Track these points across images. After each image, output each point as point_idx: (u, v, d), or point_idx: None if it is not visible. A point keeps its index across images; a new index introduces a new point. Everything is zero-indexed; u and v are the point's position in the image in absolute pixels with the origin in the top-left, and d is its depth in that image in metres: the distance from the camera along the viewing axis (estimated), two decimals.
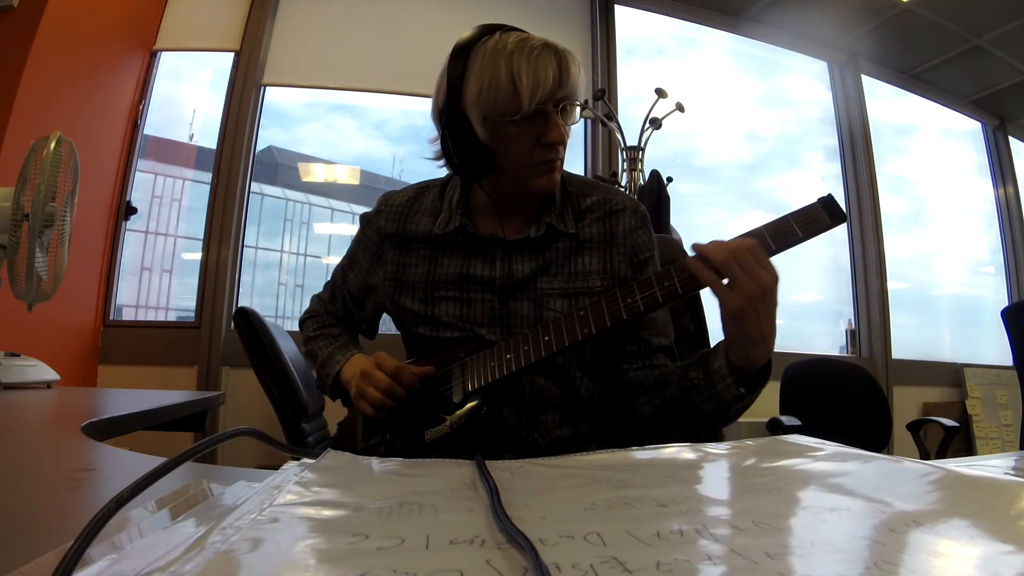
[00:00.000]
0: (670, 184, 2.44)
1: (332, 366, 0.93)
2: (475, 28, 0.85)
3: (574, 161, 3.03)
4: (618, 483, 0.41)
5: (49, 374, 1.40)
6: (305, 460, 0.47)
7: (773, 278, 0.68)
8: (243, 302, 2.66)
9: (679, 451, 0.52)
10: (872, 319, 3.32)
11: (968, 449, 3.28)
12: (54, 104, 2.06)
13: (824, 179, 3.61)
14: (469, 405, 0.79)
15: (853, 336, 3.40)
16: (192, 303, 2.56)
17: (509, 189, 0.87)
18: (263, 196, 3.04)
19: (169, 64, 2.77)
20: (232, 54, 2.71)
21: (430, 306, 0.89)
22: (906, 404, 3.20)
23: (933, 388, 3.37)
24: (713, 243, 0.70)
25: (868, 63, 3.65)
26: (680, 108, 2.54)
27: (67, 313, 2.24)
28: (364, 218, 1.00)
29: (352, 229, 3.32)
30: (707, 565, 0.25)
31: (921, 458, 0.75)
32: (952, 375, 3.44)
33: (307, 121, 3.36)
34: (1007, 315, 2.08)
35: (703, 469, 0.48)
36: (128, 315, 2.70)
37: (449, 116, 0.83)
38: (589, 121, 2.98)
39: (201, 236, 2.59)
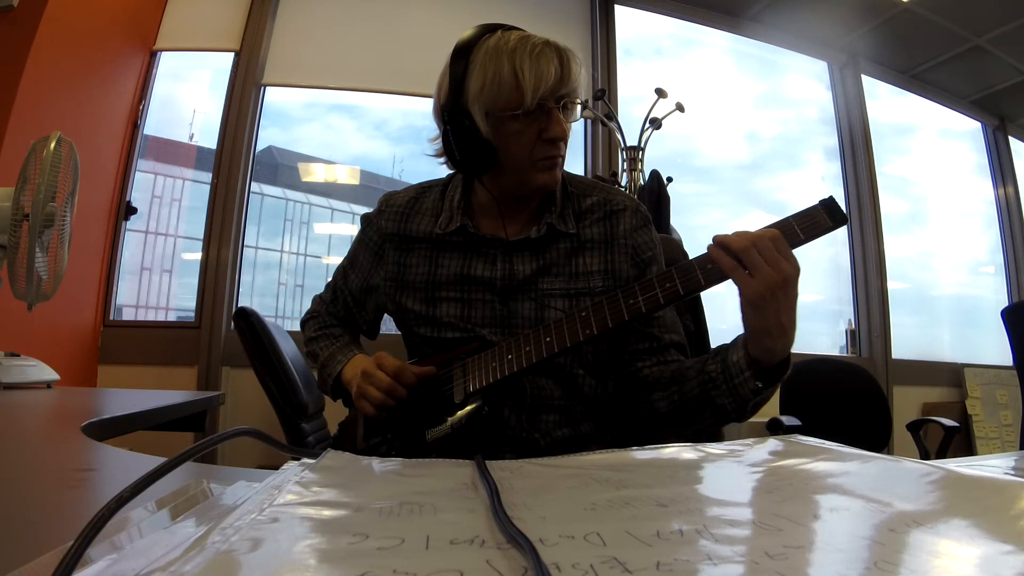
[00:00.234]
0: (670, 184, 2.44)
1: (333, 366, 0.93)
2: (476, 27, 0.86)
3: (574, 161, 3.03)
4: (618, 483, 0.41)
5: (49, 374, 1.40)
6: (305, 460, 0.47)
7: (794, 268, 0.68)
8: (243, 302, 2.66)
9: (679, 451, 0.52)
10: (872, 319, 3.32)
11: (968, 449, 3.28)
12: (54, 104, 2.06)
13: (824, 179, 3.61)
14: (470, 406, 0.79)
15: (853, 336, 3.40)
16: (192, 303, 2.56)
17: (510, 186, 0.87)
18: (263, 196, 3.04)
19: (169, 64, 2.77)
20: (232, 54, 2.71)
21: (431, 306, 0.89)
22: (906, 404, 3.20)
23: (933, 388, 3.37)
24: (736, 233, 0.69)
25: (868, 63, 3.65)
26: (680, 108, 2.54)
27: (67, 313, 2.24)
28: (365, 218, 1.00)
29: (352, 229, 3.33)
30: (707, 565, 0.25)
31: (921, 458, 0.75)
32: (952, 375, 3.44)
33: (307, 121, 3.36)
34: (1007, 315, 2.08)
35: (703, 469, 0.48)
36: (128, 315, 2.70)
37: (451, 112, 0.84)
38: (589, 121, 2.98)
39: (201, 236, 2.59)
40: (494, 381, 0.79)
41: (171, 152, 2.89)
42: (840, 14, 3.28)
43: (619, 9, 3.18)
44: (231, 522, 0.29)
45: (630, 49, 3.29)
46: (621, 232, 0.90)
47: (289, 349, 1.45)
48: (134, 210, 2.60)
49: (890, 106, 3.83)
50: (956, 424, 2.22)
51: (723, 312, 3.06)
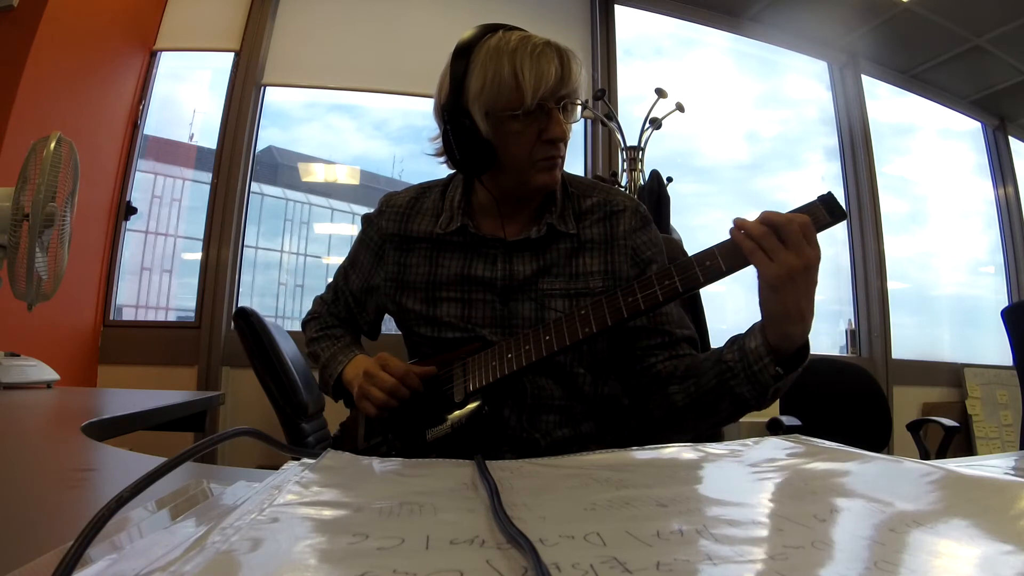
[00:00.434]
0: (670, 184, 2.44)
1: (335, 367, 0.93)
2: (477, 27, 0.86)
3: (574, 161, 3.03)
4: (618, 483, 0.41)
5: (49, 374, 1.40)
6: (305, 460, 0.47)
7: (816, 254, 0.67)
8: (243, 302, 2.66)
9: (679, 451, 0.52)
10: (872, 319, 3.32)
11: (968, 449, 3.28)
12: (54, 104, 2.06)
13: (824, 179, 3.61)
14: (470, 405, 0.79)
15: (853, 336, 3.40)
16: (192, 303, 2.56)
17: (510, 186, 0.87)
18: (263, 196, 3.04)
19: (169, 64, 2.77)
20: (232, 54, 2.71)
21: (431, 307, 0.89)
22: (906, 404, 3.20)
23: (933, 388, 3.37)
24: (760, 215, 0.69)
25: (868, 63, 3.65)
26: (680, 108, 2.53)
27: (67, 313, 2.24)
28: (366, 219, 1.00)
29: (352, 229, 3.33)
30: (707, 565, 0.25)
31: (921, 458, 0.75)
32: (952, 375, 3.44)
33: (307, 121, 3.37)
34: (1007, 315, 2.08)
35: (703, 469, 0.48)
36: (128, 315, 2.70)
37: (452, 112, 0.84)
38: (589, 121, 2.98)
39: (201, 236, 2.59)
40: (494, 380, 0.79)
41: (171, 152, 2.89)
42: (840, 14, 3.28)
43: (619, 9, 3.18)
44: (231, 522, 0.29)
45: (630, 49, 3.29)
46: (621, 233, 0.90)
47: (289, 349, 1.45)
48: (134, 210, 2.60)
49: (890, 106, 3.83)
50: (956, 424, 2.22)
51: (723, 312, 3.07)
